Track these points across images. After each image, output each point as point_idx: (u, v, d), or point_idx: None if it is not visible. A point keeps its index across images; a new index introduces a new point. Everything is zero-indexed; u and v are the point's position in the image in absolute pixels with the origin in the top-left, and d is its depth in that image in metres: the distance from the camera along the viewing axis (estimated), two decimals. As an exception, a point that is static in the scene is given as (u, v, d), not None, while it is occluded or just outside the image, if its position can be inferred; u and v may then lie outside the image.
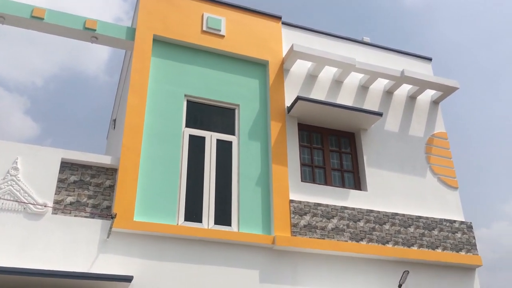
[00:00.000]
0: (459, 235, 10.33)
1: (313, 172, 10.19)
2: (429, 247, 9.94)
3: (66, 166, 8.33)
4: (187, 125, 9.57)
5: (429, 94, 11.91)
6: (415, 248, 9.82)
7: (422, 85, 11.40)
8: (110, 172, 8.59)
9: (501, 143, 31.31)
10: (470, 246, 10.29)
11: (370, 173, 10.39)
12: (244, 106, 10.11)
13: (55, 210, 7.92)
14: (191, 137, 9.46)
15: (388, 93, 11.58)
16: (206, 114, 9.87)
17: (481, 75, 33.14)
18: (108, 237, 7.93)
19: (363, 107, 10.93)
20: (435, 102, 11.95)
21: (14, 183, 7.78)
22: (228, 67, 10.37)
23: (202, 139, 9.53)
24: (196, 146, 9.41)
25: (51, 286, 7.48)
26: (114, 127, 12.40)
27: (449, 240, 10.19)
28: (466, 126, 31.54)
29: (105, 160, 8.58)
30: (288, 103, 10.38)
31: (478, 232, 10.37)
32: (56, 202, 7.99)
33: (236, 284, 8.39)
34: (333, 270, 9.13)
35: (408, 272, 9.13)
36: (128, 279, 7.36)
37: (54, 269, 7.29)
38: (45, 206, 7.78)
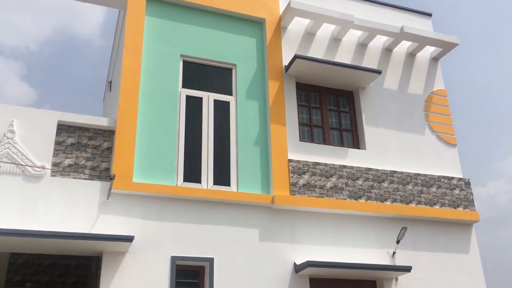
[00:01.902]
0: (457, 191, 10.41)
1: (311, 132, 10.16)
2: (427, 204, 10.03)
3: (63, 128, 8.27)
4: (184, 86, 9.46)
5: (428, 51, 11.74)
6: (413, 205, 9.90)
7: (421, 41, 11.22)
8: (108, 134, 8.54)
9: (500, 101, 31.23)
10: (467, 202, 10.38)
11: (369, 132, 10.36)
12: (241, 65, 9.97)
13: (54, 173, 7.91)
14: (188, 97, 9.37)
15: (387, 51, 11.41)
16: (203, 75, 9.74)
17: (481, 33, 32.71)
18: (107, 198, 7.96)
19: (362, 65, 10.79)
20: (434, 59, 11.80)
21: (11, 146, 7.74)
22: (224, 26, 10.17)
23: (199, 99, 9.44)
24: (193, 107, 9.33)
25: (53, 247, 7.56)
26: (110, 89, 12.27)
27: (447, 196, 10.27)
28: (466, 84, 31.35)
29: (102, 122, 8.52)
30: (285, 62, 10.23)
31: (474, 190, 10.38)
32: (54, 164, 7.97)
33: (235, 243, 8.49)
34: (332, 228, 9.23)
35: (406, 228, 9.24)
36: (129, 239, 7.43)
37: (56, 230, 7.33)
38: (43, 168, 7.76)
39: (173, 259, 8.00)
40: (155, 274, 7.81)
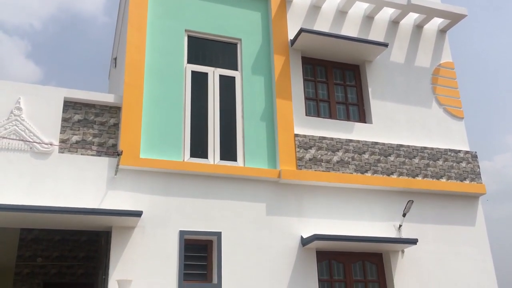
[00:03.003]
0: (463, 164, 10.40)
1: (317, 106, 10.12)
2: (434, 177, 10.03)
3: (69, 105, 8.29)
4: (189, 61, 9.41)
5: (436, 22, 11.58)
6: (419, 178, 9.91)
7: (429, 13, 11.05)
8: (114, 110, 8.56)
9: (508, 73, 30.88)
10: (474, 175, 10.38)
11: (375, 106, 10.31)
12: (246, 40, 9.89)
13: (62, 149, 7.97)
14: (194, 73, 9.33)
15: (394, 23, 11.26)
16: (208, 50, 9.68)
17: (489, 3, 32.14)
18: (115, 174, 8.02)
19: (368, 38, 10.67)
20: (442, 31, 11.64)
21: (19, 123, 7.78)
22: (229, 0, 10.05)
23: (205, 75, 9.41)
24: (199, 82, 9.31)
25: (63, 222, 7.67)
26: (115, 66, 12.24)
27: (454, 169, 10.26)
28: (473, 56, 30.96)
29: (108, 98, 8.53)
30: (291, 36, 10.14)
31: (481, 164, 10.36)
32: (62, 141, 8.02)
33: (242, 217, 8.56)
34: (338, 202, 9.28)
35: (412, 201, 9.27)
36: (138, 214, 7.51)
37: (65, 206, 7.42)
38: (51, 145, 7.82)
39: (181, 233, 8.10)
40: (163, 248, 7.92)
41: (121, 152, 7.76)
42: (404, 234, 9.33)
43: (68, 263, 12.15)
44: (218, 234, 8.29)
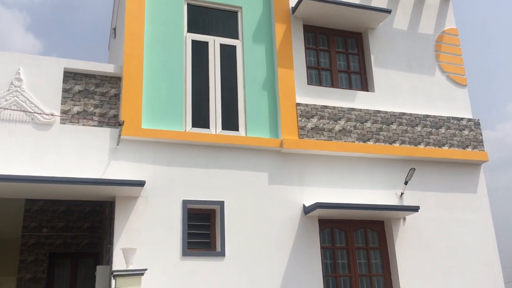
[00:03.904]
0: (466, 132, 10.37)
1: (319, 75, 10.04)
2: (436, 145, 10.02)
3: (69, 75, 8.24)
4: (189, 30, 9.30)
5: (440, -12, 11.37)
6: (421, 146, 9.91)
7: (433, -22, 10.84)
8: (114, 80, 8.51)
9: (512, 41, 30.49)
10: (476, 142, 10.36)
11: (378, 74, 10.22)
12: (247, 8, 9.74)
13: (63, 120, 7.96)
14: (194, 42, 9.23)
15: (397, -11, 11.05)
16: (208, 18, 9.55)
17: (495, -30, 31.50)
18: (117, 144, 8.03)
19: (371, 5, 10.49)
20: (446, -3, 11.43)
21: (19, 94, 7.75)
22: (228, -33, 9.86)
23: (205, 44, 9.30)
24: (200, 51, 9.21)
25: (67, 193, 7.71)
26: (115, 36, 12.10)
27: (456, 137, 10.24)
28: (477, 22, 30.53)
29: (108, 68, 8.47)
30: (292, 3, 9.98)
31: (483, 133, 10.35)
32: (63, 112, 8.00)
33: (245, 186, 8.61)
34: (340, 171, 9.30)
35: (414, 169, 9.29)
36: (141, 183, 7.55)
37: (69, 176, 7.46)
38: (52, 115, 7.80)
39: (185, 202, 8.16)
40: (167, 218, 7.99)
41: (123, 122, 7.75)
42: (406, 202, 9.39)
43: (73, 233, 12.30)
44: (221, 203, 8.35)
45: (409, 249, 9.18)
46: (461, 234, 9.64)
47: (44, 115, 7.76)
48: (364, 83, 10.28)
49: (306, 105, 9.36)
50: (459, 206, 9.83)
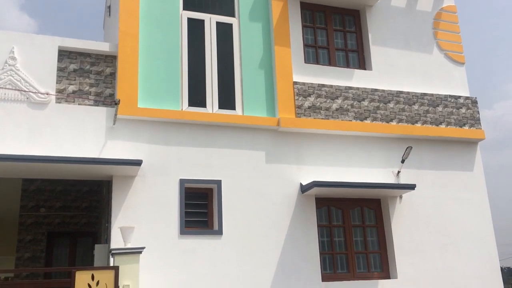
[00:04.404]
0: (463, 110, 10.36)
1: (316, 53, 9.97)
2: (433, 123, 10.02)
3: (64, 54, 8.16)
4: (185, 8, 9.18)
5: (438, -35, 11.22)
6: (419, 125, 9.91)
7: (431, -46, 10.69)
8: (110, 59, 8.43)
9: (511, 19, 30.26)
10: (473, 120, 10.36)
11: (375, 52, 10.15)
12: (243, -15, 9.60)
13: (59, 99, 7.91)
14: (190, 20, 9.12)
15: (395, -34, 10.90)
16: (204, -4, 9.42)
17: None
18: (114, 124, 8.00)
19: (369, -18, 10.37)
20: (444, -26, 11.30)
21: (14, 73, 7.68)
22: None
23: (201, 22, 9.20)
24: (196, 29, 9.12)
25: (64, 172, 7.70)
26: (110, 14, 11.95)
27: (453, 115, 10.23)
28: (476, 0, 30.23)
29: (103, 47, 8.39)
30: (289, -20, 9.84)
31: (481, 112, 10.34)
32: (58, 91, 7.94)
33: (242, 165, 8.61)
34: (338, 149, 9.31)
35: (411, 148, 9.30)
36: (138, 163, 7.54)
37: (66, 155, 7.44)
38: (47, 94, 7.75)
39: (182, 182, 8.17)
40: (164, 197, 8.01)
41: (119, 101, 7.70)
42: (403, 180, 9.42)
43: (71, 213, 12.34)
44: (218, 182, 8.37)
45: (405, 226, 9.25)
46: (457, 212, 9.70)
47: (39, 94, 7.70)
48: (361, 61, 10.22)
49: (303, 83, 9.31)
50: (456, 184, 9.87)
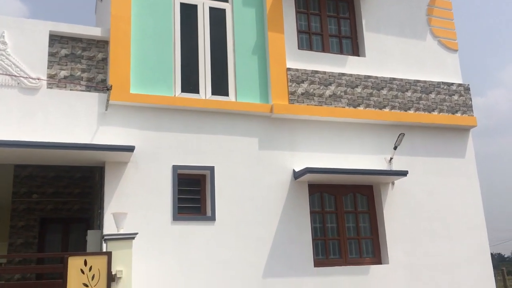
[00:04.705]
0: (456, 97, 10.39)
1: (310, 39, 9.93)
2: (426, 110, 10.05)
3: (55, 39, 8.07)
4: (178, -7, 9.08)
5: (433, -50, 11.15)
6: (411, 111, 9.93)
7: None
8: (102, 44, 8.35)
9: (506, 7, 30.26)
10: (466, 107, 10.40)
11: (369, 38, 10.13)
12: (236, -30, 9.51)
13: (50, 85, 7.84)
14: (182, 5, 9.04)
15: (390, -49, 10.83)
16: (197, -20, 9.32)
17: None
18: (106, 109, 7.95)
19: (363, -32, 10.30)
20: (439, -40, 11.25)
21: (4, 57, 7.59)
22: None
23: (194, 7, 9.12)
24: (188, 15, 9.03)
25: (56, 158, 7.67)
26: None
27: (446, 102, 10.27)
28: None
29: (95, 32, 8.30)
30: (283, -35, 9.76)
31: (473, 100, 10.38)
32: (50, 76, 7.87)
33: (235, 151, 8.61)
34: (331, 136, 9.33)
35: (403, 134, 9.33)
36: (130, 149, 7.52)
37: (57, 141, 7.39)
38: (38, 79, 7.68)
39: (175, 168, 8.16)
40: (157, 183, 8.01)
41: (111, 87, 7.65)
42: (395, 167, 9.47)
43: (63, 199, 12.31)
44: (211, 169, 8.37)
45: (397, 213, 9.32)
46: (448, 198, 9.78)
47: (30, 79, 7.63)
48: (355, 47, 10.20)
49: (297, 70, 9.29)
50: (447, 170, 9.94)
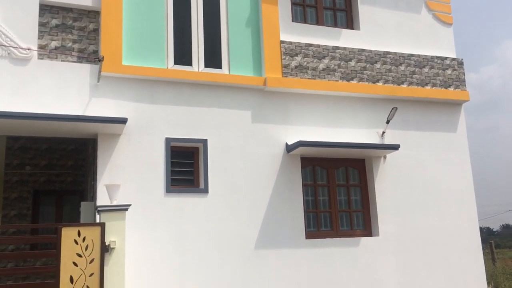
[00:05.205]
0: (449, 71, 10.39)
1: (304, 12, 9.83)
2: (419, 84, 10.06)
3: (46, 9, 7.93)
4: (170, -38, 8.92)
5: None
6: (404, 86, 9.94)
7: None
8: (93, 15, 8.23)
9: (501, -19, 29.97)
10: (459, 82, 10.42)
11: (364, 11, 10.04)
12: None
13: (41, 55, 7.75)
14: (175, -25, 8.89)
15: None
16: (190, -50, 9.14)
17: None
18: (98, 81, 7.89)
19: None
20: None
21: (-6, 27, 7.48)
22: None
23: (187, -23, 8.97)
24: (181, -15, 8.89)
25: (48, 129, 7.63)
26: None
27: (439, 77, 10.27)
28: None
29: (85, 1, 8.14)
30: None
31: (467, 76, 10.39)
32: (41, 47, 7.77)
33: (228, 124, 8.61)
34: (324, 110, 9.33)
35: (396, 108, 9.35)
36: (123, 121, 7.49)
37: (50, 113, 7.35)
38: (29, 50, 7.58)
39: (168, 140, 8.16)
40: (150, 155, 8.02)
41: (102, 58, 7.57)
42: (387, 141, 9.52)
43: (57, 171, 12.32)
44: (204, 141, 8.38)
45: (388, 186, 9.42)
46: (439, 172, 9.88)
47: (20, 50, 7.53)
48: (349, 20, 10.12)
49: (291, 42, 9.23)
50: (439, 145, 10.02)
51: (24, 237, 11.03)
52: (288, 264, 8.42)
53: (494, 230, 69.27)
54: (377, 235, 9.16)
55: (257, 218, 8.43)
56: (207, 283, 7.89)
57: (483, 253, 10.20)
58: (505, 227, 72.20)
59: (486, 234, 52.25)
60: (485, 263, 10.11)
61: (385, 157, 9.50)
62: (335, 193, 9.27)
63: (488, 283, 10.68)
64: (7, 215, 11.70)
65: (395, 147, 9.12)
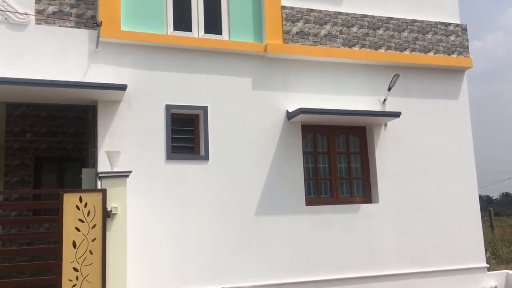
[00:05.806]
0: (452, 38, 10.24)
1: (306, -24, 9.62)
2: (422, 51, 9.94)
3: (42, -28, 7.78)
4: None
5: None
6: (407, 52, 9.82)
7: None
8: (90, -21, 8.07)
9: None
10: (462, 48, 10.28)
11: (367, -24, 9.83)
12: None
13: (38, 20, 7.63)
14: None
15: None
16: None
17: None
18: (97, 47, 7.80)
19: None
20: None
21: (-11, -9, 7.35)
22: None
23: None
24: None
25: (48, 96, 7.59)
26: None
27: (442, 43, 10.13)
28: None
29: (83, -35, 7.98)
30: None
31: (471, 44, 10.21)
32: (38, 11, 7.64)
33: (228, 91, 8.56)
34: (325, 76, 9.25)
35: (398, 75, 9.27)
36: (122, 87, 7.45)
37: (49, 79, 7.30)
38: (26, 14, 7.46)
39: (168, 107, 8.13)
40: (150, 122, 8.00)
41: (101, 23, 7.46)
42: (388, 108, 9.47)
43: (57, 138, 12.33)
44: (204, 108, 8.35)
45: (388, 153, 9.42)
46: (440, 139, 9.87)
47: (17, 14, 7.42)
48: (352, -15, 9.90)
49: (292, 8, 9.07)
50: (441, 112, 9.97)
51: (27, 203, 11.14)
52: (288, 231, 8.51)
53: (493, 198, 69.83)
54: (377, 201, 9.22)
55: (257, 185, 8.47)
56: (207, 249, 7.99)
57: (482, 220, 10.27)
58: (505, 195, 72.78)
59: (486, 202, 52.69)
60: (483, 231, 10.21)
61: (386, 124, 9.47)
62: (336, 161, 9.29)
63: (486, 250, 10.80)
64: (9, 182, 11.78)
65: (397, 114, 9.08)
